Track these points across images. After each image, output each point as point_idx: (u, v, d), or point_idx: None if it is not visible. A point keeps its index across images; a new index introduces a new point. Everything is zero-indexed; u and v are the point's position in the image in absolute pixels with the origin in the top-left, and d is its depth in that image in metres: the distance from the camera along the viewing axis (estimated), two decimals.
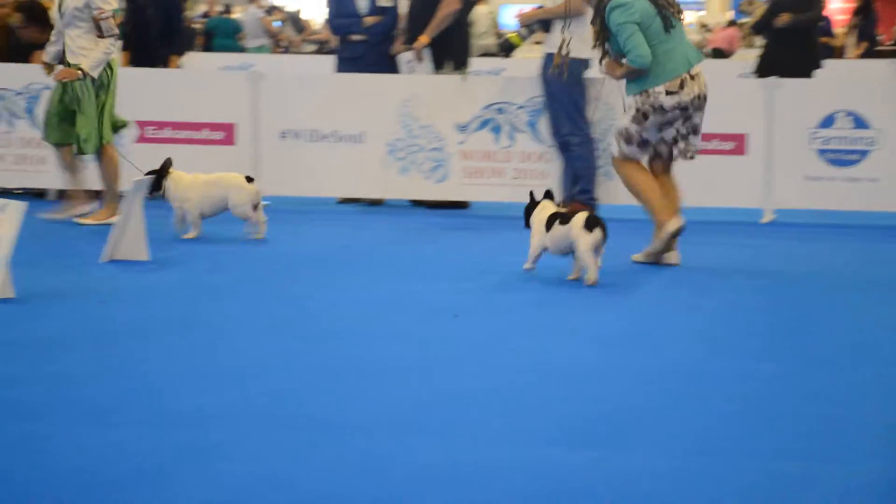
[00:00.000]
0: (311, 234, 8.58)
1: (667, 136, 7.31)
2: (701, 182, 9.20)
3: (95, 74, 8.29)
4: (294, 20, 23.49)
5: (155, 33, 10.50)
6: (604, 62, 7.41)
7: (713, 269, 7.26)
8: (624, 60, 7.27)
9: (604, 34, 7.31)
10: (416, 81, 9.99)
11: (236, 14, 21.49)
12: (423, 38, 9.80)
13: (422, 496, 3.39)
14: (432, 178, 9.75)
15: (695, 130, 7.34)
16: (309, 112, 9.85)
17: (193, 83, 10.15)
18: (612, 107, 9.47)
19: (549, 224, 6.67)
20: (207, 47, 19.52)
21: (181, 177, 8.03)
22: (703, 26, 26.54)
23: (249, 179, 8.08)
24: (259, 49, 19.70)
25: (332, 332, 5.42)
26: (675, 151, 7.36)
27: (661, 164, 7.42)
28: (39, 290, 6.06)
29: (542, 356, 5.04)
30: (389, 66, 10.19)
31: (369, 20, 10.15)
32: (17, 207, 5.85)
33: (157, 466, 3.55)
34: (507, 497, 3.38)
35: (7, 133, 9.92)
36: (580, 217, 6.55)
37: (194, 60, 14.41)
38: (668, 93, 7.19)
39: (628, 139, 7.33)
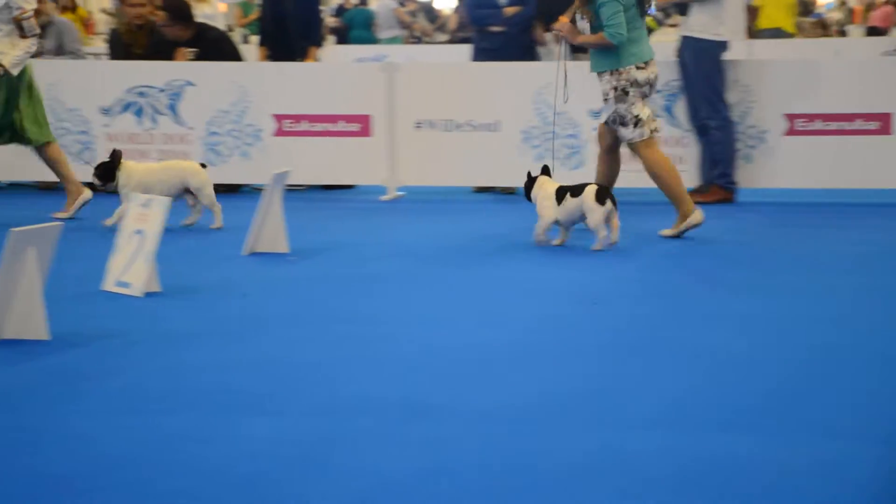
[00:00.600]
0: (448, 224, 8.59)
1: (651, 111, 7.63)
2: (844, 163, 8.99)
3: (15, 72, 8.37)
4: (427, 10, 23.56)
5: (293, 27, 10.61)
6: (560, 24, 7.78)
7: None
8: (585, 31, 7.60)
9: (585, 4, 7.57)
10: (550, 69, 9.92)
11: (371, 5, 21.64)
12: (563, 19, 9.74)
13: (584, 485, 3.36)
14: (568, 165, 9.69)
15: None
16: (444, 102, 9.87)
17: (329, 76, 10.24)
18: (749, 87, 9.32)
19: (560, 197, 7.13)
20: (342, 39, 19.69)
21: (133, 167, 8.05)
22: (843, 3, 25.92)
23: (203, 165, 8.16)
24: (392, 40, 19.80)
25: (479, 320, 5.41)
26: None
27: (604, 136, 7.71)
28: (185, 284, 6.17)
29: (698, 342, 4.96)
30: (528, 57, 10.15)
31: (509, 10, 10.11)
32: (161, 203, 5.96)
33: (311, 455, 3.58)
34: (675, 483, 3.34)
35: (150, 129, 10.12)
36: (591, 190, 7.09)
37: (328, 53, 14.54)
38: (639, 68, 7.56)
39: (622, 121, 7.58)
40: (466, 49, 11.51)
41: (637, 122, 7.58)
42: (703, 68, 9.09)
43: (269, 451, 3.63)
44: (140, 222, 5.97)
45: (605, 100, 7.63)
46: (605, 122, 7.68)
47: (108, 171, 7.95)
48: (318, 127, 10.01)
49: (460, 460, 3.56)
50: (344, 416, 3.98)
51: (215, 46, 10.43)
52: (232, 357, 4.77)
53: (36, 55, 10.29)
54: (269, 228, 7.11)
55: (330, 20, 20.79)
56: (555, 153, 8.46)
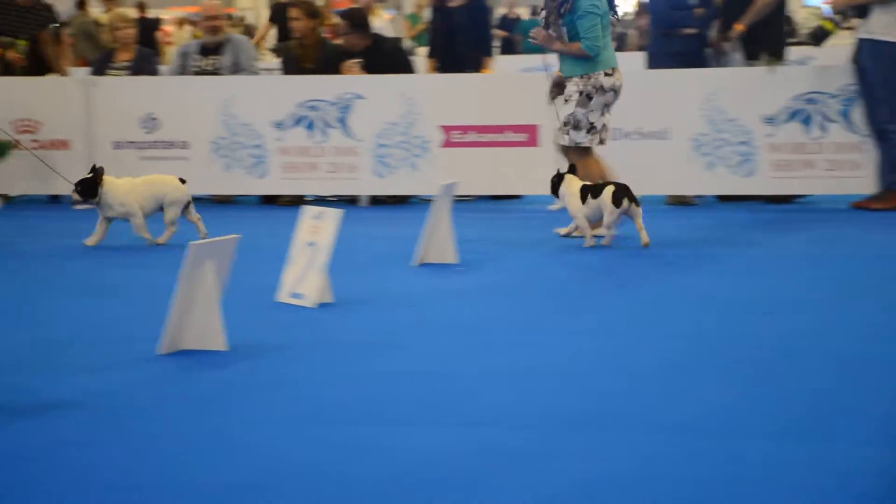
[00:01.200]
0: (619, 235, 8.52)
1: (607, 121, 7.98)
2: None
3: None
4: None
5: (462, 38, 10.67)
6: (536, 31, 8.08)
7: None
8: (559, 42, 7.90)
9: (563, 11, 7.82)
10: (720, 75, 9.78)
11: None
12: (738, 27, 9.59)
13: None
14: (739, 173, 9.52)
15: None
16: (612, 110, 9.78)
17: (496, 86, 10.26)
18: None
19: (583, 197, 7.55)
20: (509, 49, 19.70)
21: (115, 182, 8.00)
22: None
23: (182, 181, 8.14)
24: None
25: (648, 330, 5.35)
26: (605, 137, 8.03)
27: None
28: (357, 295, 6.24)
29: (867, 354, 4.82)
30: (705, 59, 10.04)
31: (699, 11, 9.98)
32: (333, 215, 6.04)
33: (471, 468, 3.58)
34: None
35: (321, 143, 10.28)
36: (609, 190, 7.47)
37: (495, 63, 14.55)
38: (607, 74, 7.88)
39: (577, 125, 7.92)
40: (631, 56, 11.40)
41: (591, 128, 7.93)
42: (883, 71, 8.85)
43: (445, 462, 3.63)
44: (312, 234, 6.06)
45: (566, 101, 7.94)
46: (563, 124, 7.95)
47: (90, 187, 7.91)
48: (486, 137, 10.04)
49: (621, 472, 3.52)
50: (510, 427, 3.96)
51: (390, 57, 10.55)
52: (405, 367, 4.79)
53: (213, 72, 10.58)
54: (438, 239, 7.14)
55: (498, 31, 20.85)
56: (725, 160, 8.33)
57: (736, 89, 9.58)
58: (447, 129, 10.08)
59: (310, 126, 10.27)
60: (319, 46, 10.72)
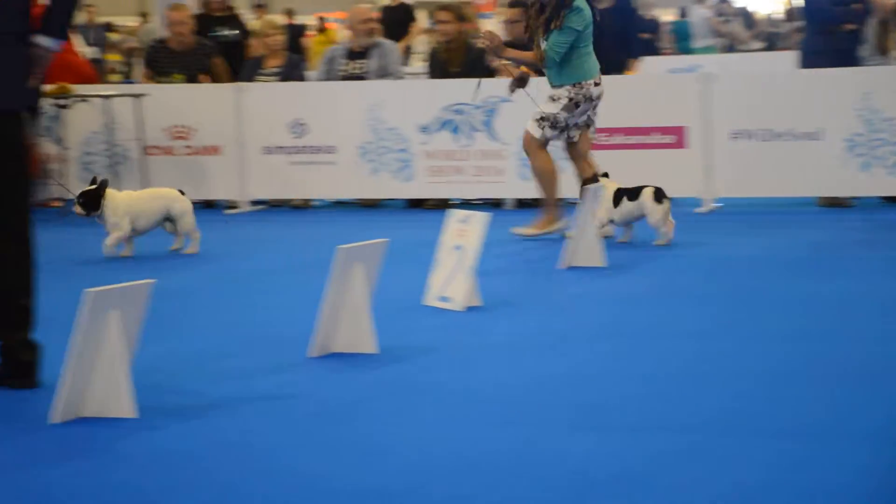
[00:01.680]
0: (773, 237, 8.35)
1: (580, 120, 8.15)
2: None
3: None
4: (745, 15, 23.03)
5: (608, 40, 10.60)
6: (489, 35, 8.35)
7: None
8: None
9: (550, 25, 8.05)
10: (876, 74, 9.53)
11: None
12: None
13: None
14: None
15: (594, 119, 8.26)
16: (762, 111, 9.61)
17: (643, 88, 10.15)
18: None
19: (617, 200, 7.80)
20: (650, 50, 19.51)
21: (118, 195, 7.88)
22: None
23: (182, 192, 8.02)
24: (706, 49, 19.49)
25: (812, 334, 5.23)
26: (591, 133, 8.29)
27: (575, 146, 8.24)
28: (504, 298, 6.22)
29: None
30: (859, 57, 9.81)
31: (857, 7, 9.75)
32: (480, 219, 6.03)
33: (639, 472, 3.53)
34: None
35: (467, 146, 10.29)
36: (649, 191, 7.78)
37: (640, 65, 14.42)
38: (596, 84, 8.17)
39: (554, 124, 8.15)
40: (782, 56, 11.19)
41: (563, 130, 8.17)
42: None
43: (590, 469, 3.59)
44: (459, 237, 6.06)
45: (554, 99, 8.12)
46: (541, 117, 8.13)
47: (93, 200, 7.81)
48: (632, 140, 9.94)
49: (780, 478, 3.43)
50: (672, 433, 3.90)
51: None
52: (555, 370, 4.76)
53: (359, 76, 10.68)
54: (586, 242, 7.09)
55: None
56: (882, 160, 8.11)
57: (893, 87, 9.31)
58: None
59: (455, 130, 10.29)
60: (466, 50, 10.74)
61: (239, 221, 10.11)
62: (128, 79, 19.18)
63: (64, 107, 10.52)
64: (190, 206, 7.91)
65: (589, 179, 7.87)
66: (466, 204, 10.14)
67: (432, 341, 5.31)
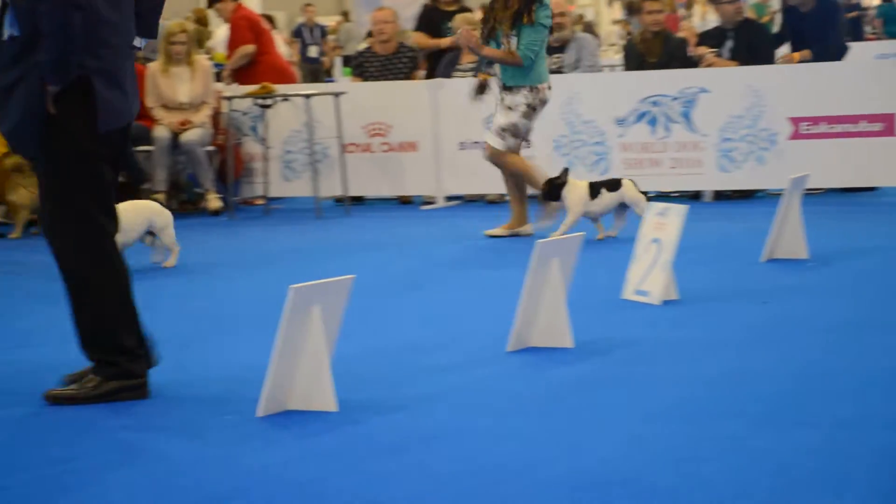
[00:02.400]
0: None
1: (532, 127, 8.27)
2: None
3: None
4: None
5: (810, 28, 10.37)
6: (466, 32, 8.22)
7: None
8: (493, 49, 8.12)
9: (525, 22, 7.95)
10: None
11: None
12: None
13: None
14: None
15: None
16: None
17: (848, 75, 9.86)
18: None
19: (594, 192, 7.91)
20: (857, 37, 18.95)
21: None
22: None
23: (164, 206, 7.81)
24: None
25: None
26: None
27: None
28: (702, 292, 6.13)
29: None
30: None
31: None
32: (678, 211, 5.95)
33: (839, 468, 3.43)
34: None
35: (664, 138, 10.17)
36: (629, 183, 7.96)
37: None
38: (549, 88, 8.21)
39: (516, 133, 8.21)
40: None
41: (524, 138, 8.26)
42: None
43: (795, 466, 3.51)
44: (657, 230, 5.99)
45: (511, 109, 8.13)
46: (501, 129, 8.16)
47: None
48: (838, 128, 9.66)
49: None
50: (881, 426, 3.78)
51: (758, 39, 10.42)
52: (755, 364, 4.66)
53: (556, 70, 10.65)
54: (788, 234, 6.93)
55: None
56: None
57: None
58: (796, 120, 9.76)
59: (652, 122, 10.18)
60: (664, 40, 10.61)
61: (435, 217, 10.20)
62: (329, 77, 19.53)
63: (267, 106, 10.79)
64: (171, 219, 7.61)
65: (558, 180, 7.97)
66: (663, 196, 10.02)
67: (630, 335, 5.27)
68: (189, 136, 10.57)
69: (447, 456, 3.71)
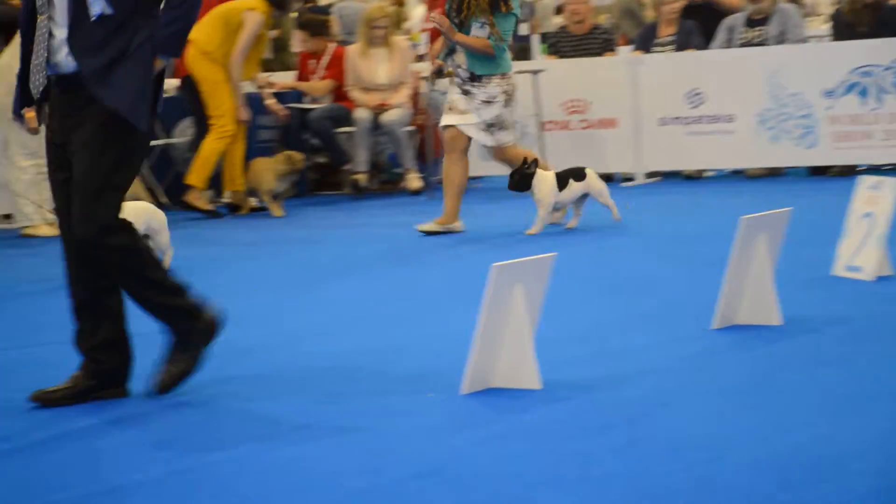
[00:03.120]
0: None
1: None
2: None
3: None
4: None
5: None
6: (440, 18, 7.89)
7: None
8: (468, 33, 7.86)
9: (504, 10, 7.80)
10: None
11: None
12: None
13: None
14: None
15: None
16: None
17: None
18: None
19: (563, 183, 7.85)
20: None
21: None
22: None
23: (160, 206, 7.40)
24: None
25: None
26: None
27: (457, 140, 8.04)
28: None
29: None
30: None
31: None
32: (892, 185, 5.73)
33: None
34: None
35: (875, 109, 9.82)
36: (592, 172, 7.99)
37: None
38: (514, 74, 8.12)
39: (502, 125, 8.01)
40: None
41: (509, 126, 8.09)
42: None
43: None
44: (869, 205, 5.78)
45: (489, 102, 7.91)
46: (487, 126, 7.93)
47: None
48: None
49: None
50: None
51: None
52: None
53: (759, 43, 10.39)
54: None
55: None
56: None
57: None
58: None
59: (863, 93, 9.84)
60: (874, 9, 10.23)
61: (636, 193, 10.08)
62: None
63: None
64: (166, 221, 7.17)
65: (522, 172, 7.84)
66: (875, 170, 9.68)
67: (841, 312, 5.10)
68: (389, 117, 10.68)
69: (654, 434, 3.64)
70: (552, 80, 10.73)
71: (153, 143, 9.39)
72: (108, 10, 4.19)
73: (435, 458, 3.55)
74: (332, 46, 11.17)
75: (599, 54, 11.13)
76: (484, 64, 7.97)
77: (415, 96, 11.07)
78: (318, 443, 3.77)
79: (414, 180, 10.82)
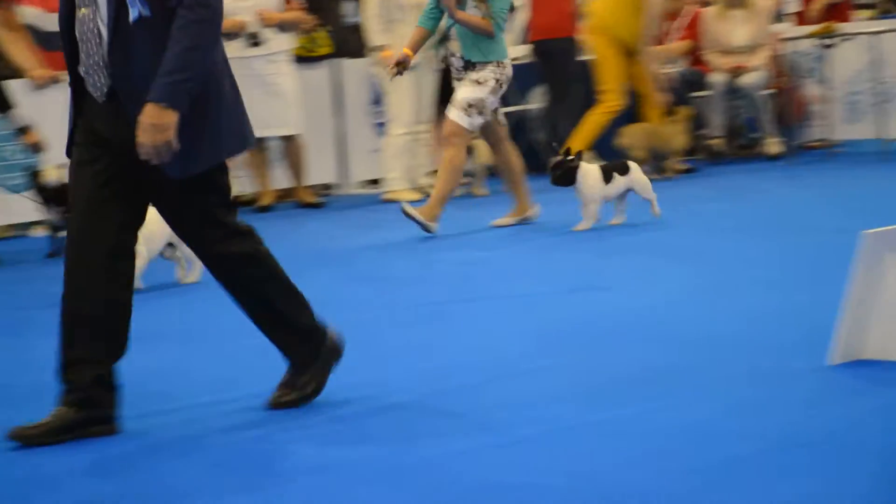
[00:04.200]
0: None
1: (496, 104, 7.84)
2: None
3: None
4: None
5: None
6: None
7: None
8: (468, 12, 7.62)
9: None
10: None
11: None
12: None
13: None
14: None
15: None
16: None
17: None
18: None
19: (608, 176, 7.44)
20: None
21: None
22: None
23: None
24: None
25: None
26: (501, 118, 7.95)
27: (494, 133, 7.89)
28: None
29: None
30: None
31: None
32: None
33: None
34: None
35: None
36: (636, 166, 7.62)
37: None
38: (512, 63, 7.88)
39: (482, 110, 7.69)
40: None
41: (487, 115, 7.72)
42: None
43: None
44: None
45: (479, 83, 7.64)
46: (468, 104, 7.61)
47: None
48: None
49: None
50: None
51: None
52: None
53: None
54: None
55: None
56: None
57: None
58: None
59: None
60: None
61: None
62: (886, 13, 18.52)
63: (829, 46, 10.41)
64: (166, 233, 6.27)
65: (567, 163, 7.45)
66: None
67: None
68: (747, 80, 10.41)
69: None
70: None
71: (510, 109, 9.53)
72: (147, 12, 3.63)
73: (819, 427, 3.43)
74: (690, 8, 10.98)
75: None
76: (479, 51, 7.75)
77: (774, 58, 10.73)
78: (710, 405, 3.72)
79: (773, 145, 10.51)
